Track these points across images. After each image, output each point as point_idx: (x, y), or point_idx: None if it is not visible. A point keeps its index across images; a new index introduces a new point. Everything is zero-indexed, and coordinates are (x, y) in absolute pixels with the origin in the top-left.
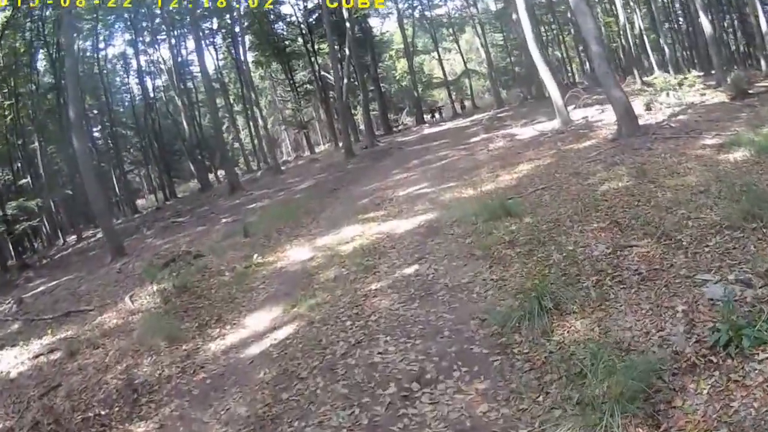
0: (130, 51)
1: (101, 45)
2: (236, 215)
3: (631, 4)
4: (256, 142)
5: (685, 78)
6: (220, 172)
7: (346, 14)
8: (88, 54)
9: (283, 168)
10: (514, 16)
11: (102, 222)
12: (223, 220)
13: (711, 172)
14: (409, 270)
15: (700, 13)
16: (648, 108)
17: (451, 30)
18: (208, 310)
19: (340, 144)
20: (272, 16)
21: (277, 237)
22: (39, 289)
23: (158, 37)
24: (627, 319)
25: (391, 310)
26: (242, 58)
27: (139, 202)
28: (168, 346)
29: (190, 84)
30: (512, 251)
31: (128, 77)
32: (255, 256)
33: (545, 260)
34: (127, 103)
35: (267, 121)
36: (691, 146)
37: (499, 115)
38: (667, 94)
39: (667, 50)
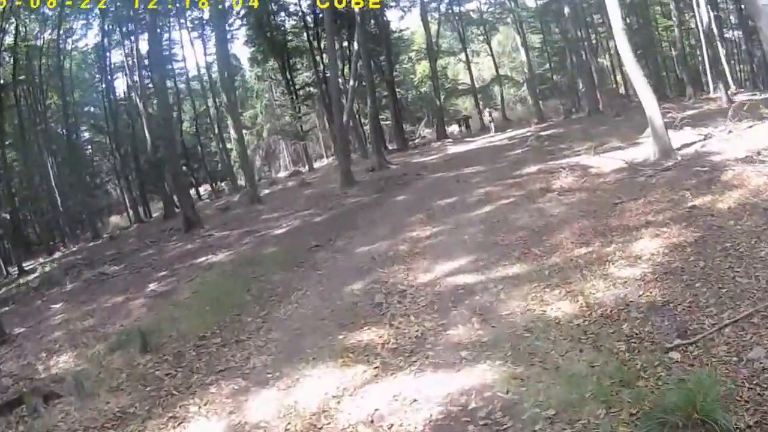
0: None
1: (69, 33)
2: (172, 278)
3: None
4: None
5: None
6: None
7: (357, 8)
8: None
9: (267, 191)
10: (566, 10)
11: None
12: (151, 287)
13: None
14: None
15: None
16: None
17: (482, 29)
18: None
19: None
20: (273, 6)
21: (190, 363)
22: None
23: (130, 26)
24: None
25: None
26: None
27: (114, 219)
28: None
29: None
30: None
31: (101, 74)
32: None
33: None
34: (100, 104)
35: (262, 128)
36: None
37: (544, 132)
38: None
39: None
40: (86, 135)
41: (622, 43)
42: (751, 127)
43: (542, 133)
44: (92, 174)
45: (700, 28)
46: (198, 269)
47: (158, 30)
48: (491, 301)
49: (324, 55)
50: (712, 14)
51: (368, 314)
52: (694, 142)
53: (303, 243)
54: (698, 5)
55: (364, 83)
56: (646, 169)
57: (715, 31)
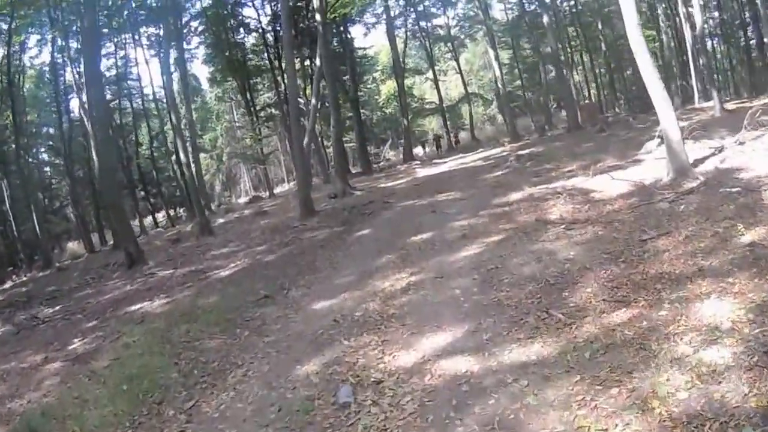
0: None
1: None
2: (99, 332)
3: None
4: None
5: None
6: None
7: (318, 16)
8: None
9: (221, 220)
10: (545, 20)
11: None
12: (75, 343)
13: None
14: None
15: None
16: None
17: (449, 46)
18: None
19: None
20: (232, 22)
21: None
22: None
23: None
24: None
25: None
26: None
27: (72, 246)
28: None
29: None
30: None
31: (55, 93)
32: None
33: None
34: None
35: (222, 152)
36: None
37: (523, 152)
38: None
39: None
40: (45, 157)
41: (636, 40)
42: (763, 135)
43: (521, 153)
44: (50, 197)
45: (687, 35)
46: (129, 322)
47: (105, 40)
48: (514, 408)
49: (286, 75)
50: (702, 20)
51: (330, 423)
52: (707, 157)
53: (251, 290)
54: (688, 11)
55: (327, 103)
56: (664, 193)
57: (697, 38)
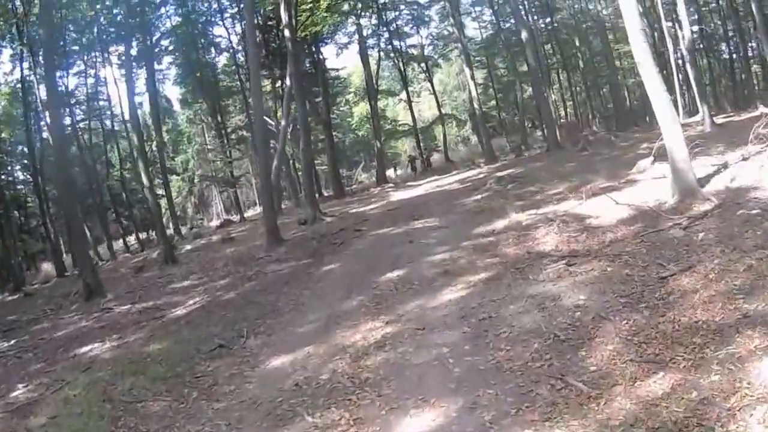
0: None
1: None
2: (44, 378)
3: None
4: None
5: None
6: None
7: (287, 32)
8: None
9: (188, 247)
10: (523, 35)
11: None
12: (19, 390)
13: None
14: None
15: None
16: None
17: (423, 66)
18: None
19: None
20: (203, 41)
21: None
22: None
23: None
24: None
25: None
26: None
27: (47, 267)
28: None
29: (96, 123)
30: None
31: (26, 111)
32: None
33: None
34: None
35: (194, 174)
36: None
37: (501, 173)
38: None
39: None
40: (20, 175)
41: (639, 47)
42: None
43: (499, 174)
44: (26, 216)
45: (670, 49)
46: (75, 368)
47: (76, 58)
48: None
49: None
50: (691, 33)
51: None
52: (712, 175)
53: (206, 336)
54: (676, 23)
55: (297, 126)
56: (674, 218)
57: (686, 52)
